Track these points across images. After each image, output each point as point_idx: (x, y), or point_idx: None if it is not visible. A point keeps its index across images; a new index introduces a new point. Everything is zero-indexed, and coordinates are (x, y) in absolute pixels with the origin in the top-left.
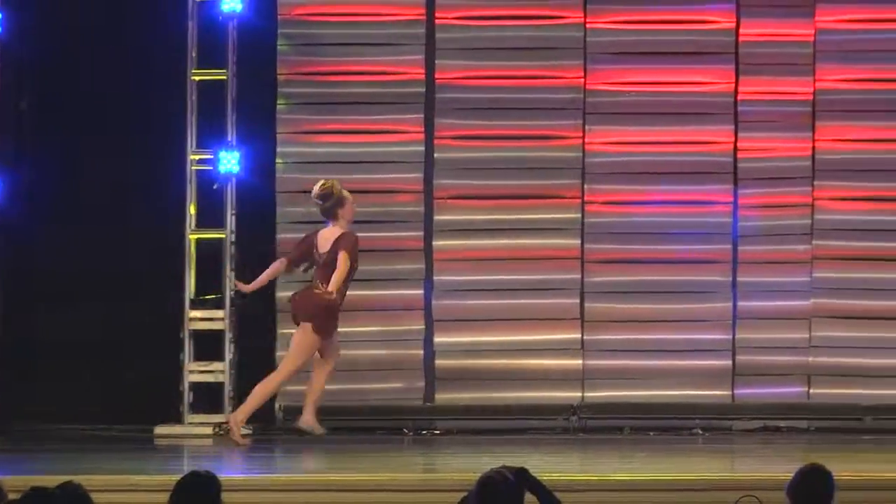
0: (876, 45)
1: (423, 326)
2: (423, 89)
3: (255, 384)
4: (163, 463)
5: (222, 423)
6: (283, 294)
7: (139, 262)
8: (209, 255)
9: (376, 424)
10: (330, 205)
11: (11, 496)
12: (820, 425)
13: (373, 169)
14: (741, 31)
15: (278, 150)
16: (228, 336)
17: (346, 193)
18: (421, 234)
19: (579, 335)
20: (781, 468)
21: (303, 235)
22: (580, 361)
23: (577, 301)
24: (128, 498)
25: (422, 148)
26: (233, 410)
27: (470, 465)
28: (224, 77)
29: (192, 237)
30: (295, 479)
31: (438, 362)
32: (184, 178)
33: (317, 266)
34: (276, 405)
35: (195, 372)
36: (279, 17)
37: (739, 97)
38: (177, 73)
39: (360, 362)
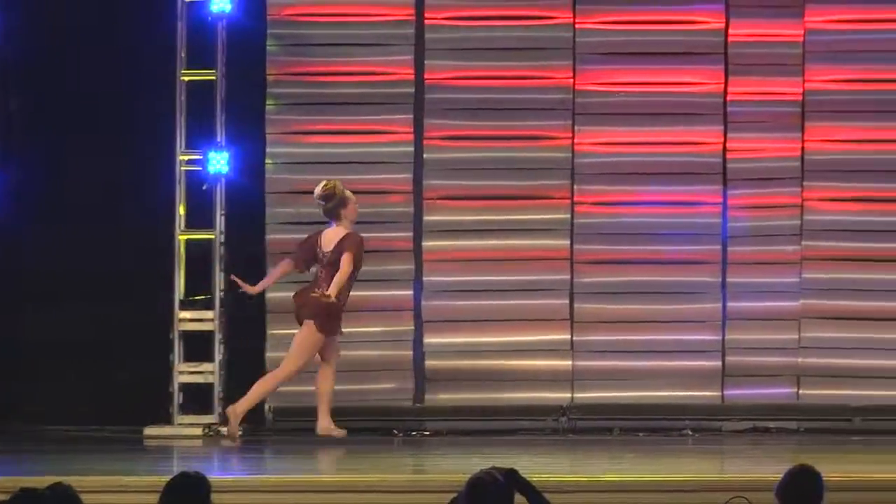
0: (865, 46)
1: (413, 327)
2: (413, 90)
3: (246, 385)
4: (152, 464)
5: (212, 423)
6: (273, 295)
7: (128, 262)
8: (198, 255)
9: (366, 425)
10: (332, 205)
11: (0, 497)
12: (809, 426)
13: (362, 169)
14: (730, 31)
15: (267, 150)
16: (218, 337)
17: (348, 194)
18: (410, 234)
19: (569, 336)
20: (771, 469)
21: (305, 236)
22: (570, 362)
23: (567, 302)
24: (117, 499)
25: (411, 148)
26: (222, 411)
27: (459, 466)
28: (213, 77)
29: (181, 238)
30: (285, 481)
31: (428, 363)
32: (173, 179)
33: (320, 265)
34: (267, 406)
35: (185, 373)
36: (268, 17)
37: (729, 97)
38: (166, 73)
39: (350, 363)
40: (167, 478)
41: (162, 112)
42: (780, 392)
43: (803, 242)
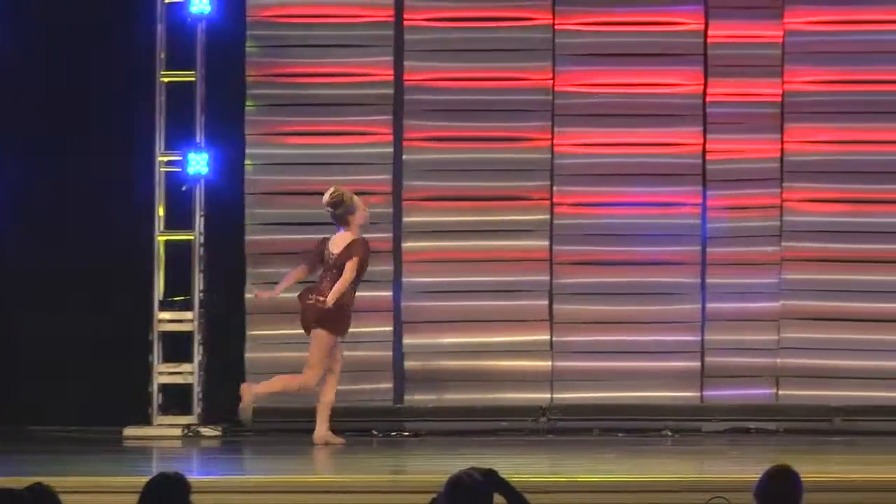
0: (845, 47)
1: (392, 328)
2: (392, 91)
3: (226, 386)
4: (132, 464)
5: (191, 424)
6: (252, 295)
7: (108, 263)
8: (178, 256)
9: (345, 426)
10: (341, 212)
11: None
12: (789, 427)
13: (341, 171)
14: (710, 32)
15: (247, 151)
16: (197, 338)
17: (356, 200)
18: (390, 235)
19: (548, 337)
20: (750, 469)
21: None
22: (549, 363)
23: (546, 303)
24: (97, 499)
25: (390, 149)
26: (202, 412)
27: (439, 466)
28: (193, 79)
29: (160, 239)
30: (264, 481)
31: (407, 364)
32: (152, 180)
33: (325, 268)
34: None
35: (164, 373)
36: (248, 18)
37: (708, 99)
38: (145, 74)
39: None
40: (147, 478)
41: (141, 113)
42: (759, 393)
43: (783, 243)
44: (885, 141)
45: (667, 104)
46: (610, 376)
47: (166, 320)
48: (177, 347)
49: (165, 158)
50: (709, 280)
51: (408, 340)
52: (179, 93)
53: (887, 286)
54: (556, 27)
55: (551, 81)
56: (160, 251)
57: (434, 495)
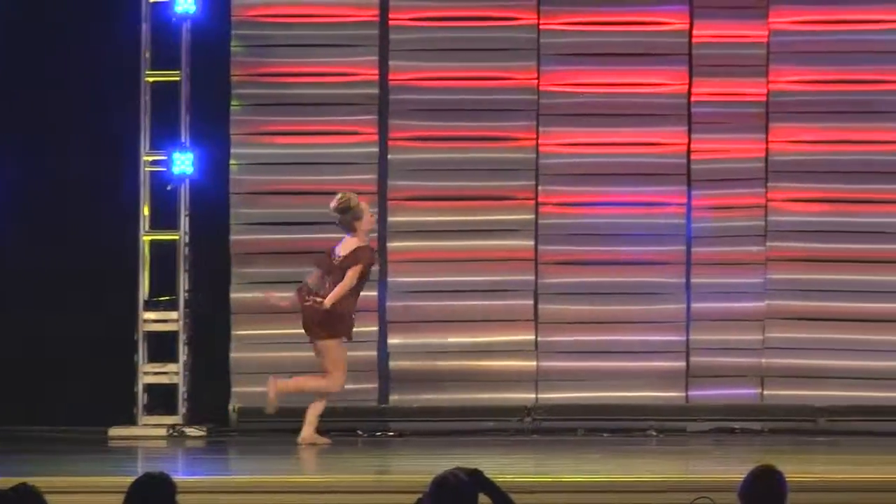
0: (829, 47)
1: (377, 328)
2: (377, 90)
3: (210, 386)
4: (117, 464)
5: (176, 424)
6: (237, 295)
7: (93, 262)
8: (163, 256)
9: (330, 426)
10: (348, 218)
11: None
12: (773, 426)
13: (327, 170)
14: (695, 32)
15: (232, 151)
16: (182, 338)
17: (363, 205)
18: (374, 235)
19: (533, 336)
20: (735, 469)
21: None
22: (534, 363)
23: (531, 302)
24: (82, 499)
25: (375, 149)
26: (187, 412)
27: (424, 466)
28: (178, 78)
29: (145, 238)
30: (249, 481)
31: (392, 364)
32: (137, 180)
33: (330, 270)
34: (231, 406)
35: (149, 373)
36: (233, 18)
37: (693, 98)
38: (130, 74)
39: (314, 364)
40: (132, 478)
41: (126, 113)
42: (744, 392)
43: (768, 243)
44: (870, 141)
45: (652, 104)
46: (595, 376)
47: (151, 320)
48: (162, 347)
49: (150, 158)
50: (694, 280)
51: (393, 340)
52: (164, 92)
53: (872, 286)
54: (540, 27)
55: (536, 81)
56: (145, 251)
57: (419, 495)
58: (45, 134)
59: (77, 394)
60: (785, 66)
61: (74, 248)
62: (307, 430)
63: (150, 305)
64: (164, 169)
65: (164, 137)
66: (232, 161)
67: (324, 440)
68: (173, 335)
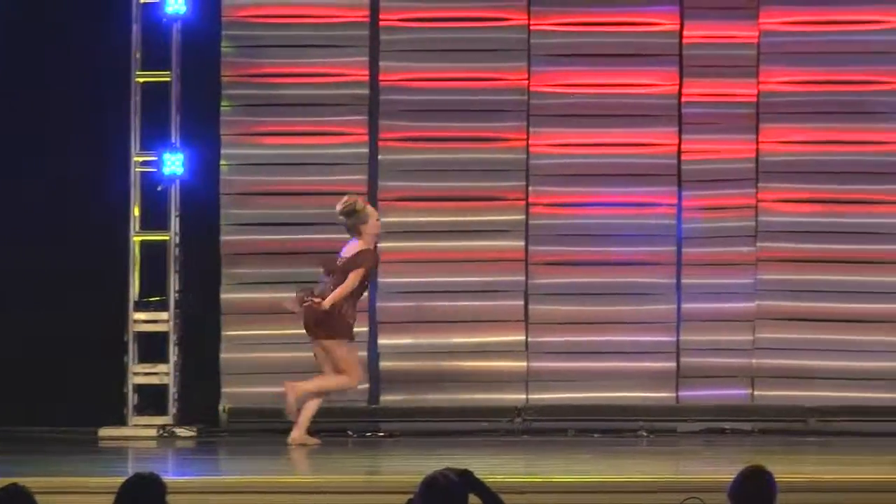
0: (819, 47)
1: (368, 328)
2: (368, 91)
3: (200, 386)
4: (107, 465)
5: (167, 424)
6: (227, 296)
7: (83, 263)
8: (153, 256)
9: (320, 426)
10: (353, 221)
11: None
12: (764, 427)
13: (317, 171)
14: (685, 33)
15: (222, 151)
16: (173, 338)
17: (369, 209)
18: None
19: (524, 337)
20: (725, 470)
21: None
22: (524, 363)
23: (522, 303)
24: (72, 500)
25: (366, 150)
26: (177, 413)
27: (414, 467)
28: (168, 79)
29: (136, 239)
30: (240, 481)
31: (383, 364)
32: (128, 180)
33: (332, 271)
34: (221, 407)
35: (139, 374)
36: (223, 19)
37: (683, 99)
38: (120, 74)
39: (304, 364)
40: (122, 479)
41: (117, 113)
42: (734, 393)
43: (758, 244)
44: (861, 141)
45: (642, 104)
46: (585, 377)
47: (141, 321)
48: (152, 348)
49: (141, 159)
50: (684, 280)
51: (383, 341)
52: (155, 93)
53: (863, 286)
54: (531, 27)
55: (527, 82)
56: (135, 251)
57: (410, 496)
58: (35, 134)
59: (67, 394)
60: (775, 66)
61: (64, 249)
62: (297, 431)
63: (140, 306)
64: (155, 169)
65: (155, 138)
66: (222, 161)
67: (313, 440)
68: (163, 336)
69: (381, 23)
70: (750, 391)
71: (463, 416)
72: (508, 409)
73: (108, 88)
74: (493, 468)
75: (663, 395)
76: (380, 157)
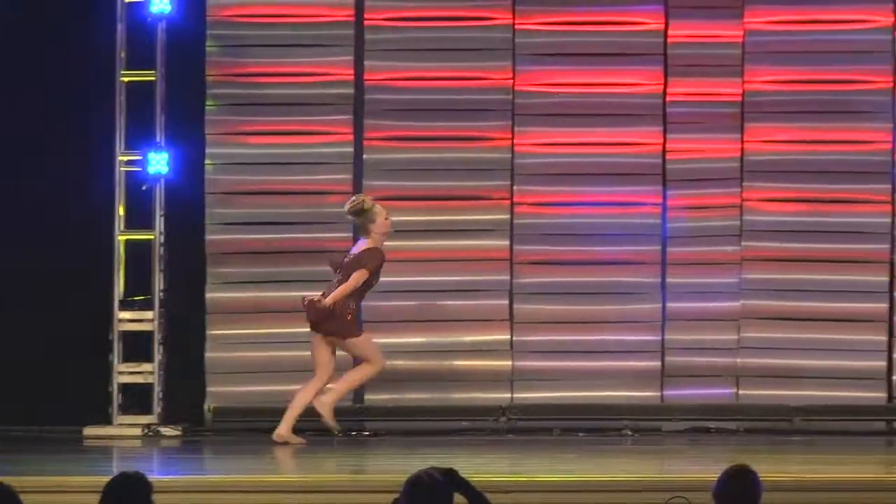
0: (804, 47)
1: None
2: (352, 90)
3: (185, 386)
4: (92, 464)
5: (151, 423)
6: (212, 295)
7: (68, 262)
8: (138, 255)
9: (305, 425)
10: (362, 220)
11: None
12: (749, 426)
13: (302, 170)
14: (670, 32)
15: (207, 151)
16: (157, 337)
17: (377, 208)
18: (350, 235)
19: (508, 336)
20: (710, 469)
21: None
22: (509, 362)
23: (507, 302)
24: (57, 499)
25: (351, 149)
26: (162, 412)
27: (399, 466)
28: (153, 78)
29: (120, 238)
30: (225, 481)
31: None
32: (112, 180)
33: (339, 269)
34: (206, 406)
35: (124, 373)
36: (208, 18)
37: (668, 98)
38: (105, 74)
39: (289, 364)
40: (107, 478)
41: (101, 113)
42: (719, 392)
43: (743, 243)
44: (845, 141)
45: (627, 104)
46: (570, 376)
47: (126, 320)
48: (137, 347)
49: (125, 158)
50: (669, 280)
51: None
52: (139, 92)
53: (847, 286)
54: (516, 27)
55: (511, 81)
56: (120, 251)
57: (396, 495)
58: (19, 133)
59: (52, 393)
60: (760, 66)
61: (49, 248)
62: (284, 427)
63: (125, 305)
64: (140, 169)
65: (140, 137)
66: (207, 161)
67: (298, 439)
68: (148, 335)
69: (365, 22)
70: (735, 390)
71: (448, 415)
72: (493, 408)
73: (92, 88)
74: (477, 467)
75: (648, 395)
76: (364, 156)
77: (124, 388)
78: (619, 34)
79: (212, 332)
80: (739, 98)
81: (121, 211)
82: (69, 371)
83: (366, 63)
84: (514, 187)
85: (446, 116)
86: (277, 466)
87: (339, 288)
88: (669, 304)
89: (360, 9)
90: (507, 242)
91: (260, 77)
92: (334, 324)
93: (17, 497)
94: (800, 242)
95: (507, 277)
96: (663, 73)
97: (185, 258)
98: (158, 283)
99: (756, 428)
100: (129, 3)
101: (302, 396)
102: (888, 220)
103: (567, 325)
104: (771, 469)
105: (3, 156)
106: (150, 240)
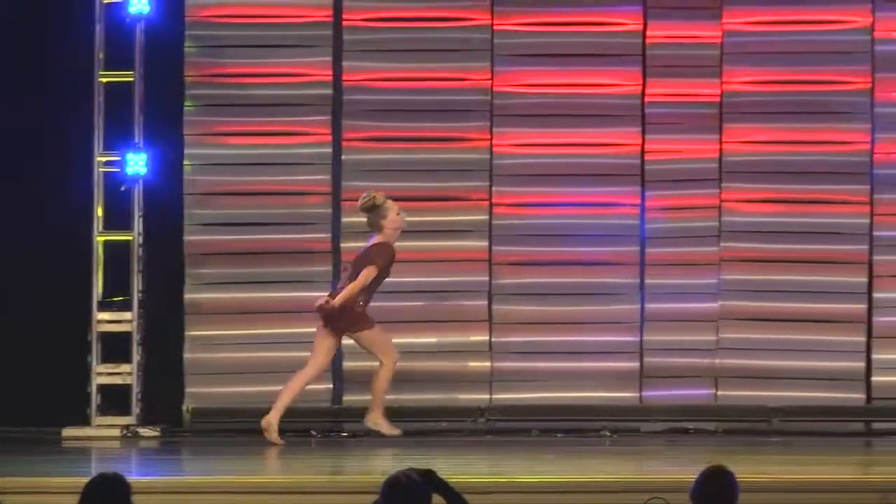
0: (783, 47)
1: None
2: (331, 91)
3: (164, 387)
4: (71, 465)
5: (130, 424)
6: (190, 296)
7: (46, 263)
8: (117, 256)
9: (284, 426)
10: (373, 217)
11: None
12: (727, 427)
13: (280, 171)
14: (648, 33)
15: (186, 151)
16: (136, 338)
17: (389, 203)
18: (328, 235)
19: (487, 337)
20: (689, 470)
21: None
22: (488, 363)
23: (485, 303)
24: (36, 500)
25: (329, 150)
26: (140, 413)
27: (377, 467)
28: (131, 79)
29: (99, 239)
30: (203, 482)
31: (346, 364)
32: (91, 180)
33: (348, 266)
34: (185, 407)
35: (103, 374)
36: (186, 18)
37: (647, 99)
38: (83, 74)
39: (268, 364)
40: (87, 479)
41: (80, 113)
42: (698, 393)
43: (721, 244)
44: (824, 141)
45: (605, 104)
46: (549, 377)
47: (105, 321)
48: (115, 348)
49: (104, 159)
50: (647, 280)
51: (346, 341)
52: (118, 93)
53: (825, 286)
54: (494, 27)
55: (490, 82)
56: (99, 251)
57: (376, 496)
58: None
59: (31, 394)
60: (738, 66)
61: (27, 249)
62: (275, 413)
63: (103, 306)
64: (118, 169)
65: (118, 138)
66: (186, 161)
67: (278, 440)
68: (127, 336)
69: (344, 23)
70: (713, 391)
71: (426, 415)
72: (472, 409)
73: (71, 88)
74: (456, 468)
75: (627, 395)
76: (343, 157)
77: (103, 389)
78: (598, 35)
79: (190, 332)
80: (718, 99)
81: (99, 212)
82: (47, 372)
83: (344, 63)
84: (493, 188)
85: (424, 117)
86: (256, 467)
87: (348, 288)
88: (648, 305)
89: (338, 9)
90: (485, 243)
91: (238, 77)
92: (344, 321)
93: None
94: (778, 243)
95: (486, 278)
96: (642, 74)
97: (164, 259)
98: (137, 283)
99: (734, 429)
100: (108, 3)
101: (294, 384)
102: (867, 220)
103: (546, 325)
104: (749, 470)
105: None
106: (128, 240)
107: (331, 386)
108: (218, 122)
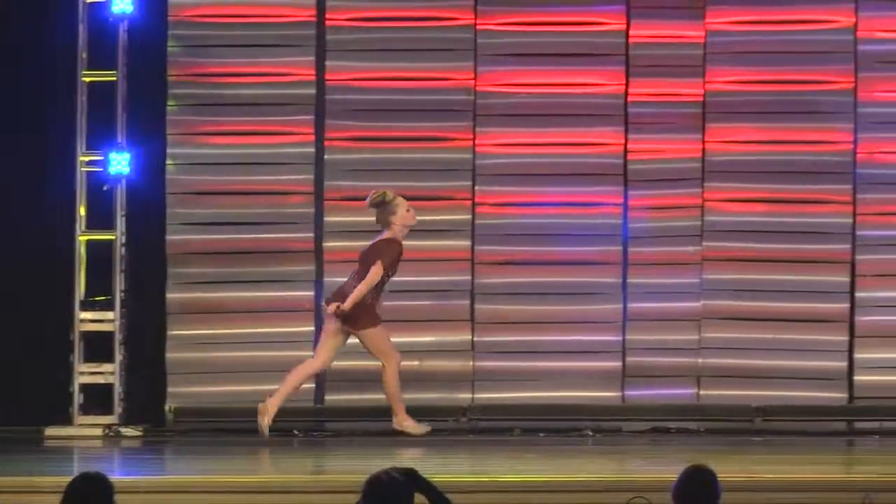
0: (766, 47)
1: (313, 328)
2: (314, 90)
3: (146, 386)
4: (54, 464)
5: (112, 424)
6: (172, 295)
7: (29, 263)
8: (99, 256)
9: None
10: (383, 213)
11: None
12: (710, 426)
13: (263, 170)
14: (631, 32)
15: (169, 151)
16: (118, 338)
17: (399, 200)
18: (311, 235)
19: (469, 337)
20: (671, 469)
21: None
22: (471, 363)
23: (468, 302)
24: (19, 499)
25: (312, 149)
26: (122, 412)
27: (360, 466)
28: (114, 78)
29: (81, 239)
30: (185, 481)
31: None
32: (73, 180)
33: (359, 262)
34: (167, 406)
35: (85, 373)
36: (169, 18)
37: (630, 99)
38: (66, 74)
39: (250, 363)
40: (69, 478)
41: (62, 113)
42: (680, 392)
43: (704, 243)
44: (806, 141)
45: (588, 104)
46: (531, 376)
47: (87, 320)
48: (98, 347)
49: (87, 158)
50: (630, 280)
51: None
52: (101, 92)
53: (808, 286)
54: (477, 27)
55: (473, 81)
56: (81, 251)
57: (357, 497)
58: None
59: (13, 393)
60: (721, 66)
61: (9, 248)
62: (277, 398)
63: (86, 305)
64: (101, 169)
65: (101, 137)
66: (168, 161)
67: (265, 430)
68: (109, 335)
69: (327, 22)
70: (696, 390)
71: (409, 415)
72: (454, 408)
73: (53, 88)
74: (438, 467)
75: (609, 395)
76: (326, 156)
77: (85, 388)
78: (581, 34)
79: (173, 332)
80: (701, 98)
81: (82, 211)
82: (30, 371)
83: (327, 63)
84: (476, 187)
85: (408, 117)
86: (239, 467)
87: (357, 289)
88: (631, 305)
89: (321, 9)
90: (468, 243)
91: (221, 77)
92: (357, 318)
93: None
94: (761, 243)
95: (469, 278)
96: (625, 74)
97: (147, 258)
98: (119, 283)
99: (717, 428)
100: (91, 3)
101: (293, 378)
102: (849, 220)
103: (528, 325)
104: (731, 469)
105: None
106: (111, 240)
107: (313, 385)
108: (201, 122)
